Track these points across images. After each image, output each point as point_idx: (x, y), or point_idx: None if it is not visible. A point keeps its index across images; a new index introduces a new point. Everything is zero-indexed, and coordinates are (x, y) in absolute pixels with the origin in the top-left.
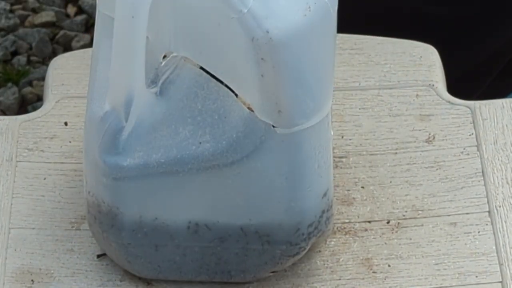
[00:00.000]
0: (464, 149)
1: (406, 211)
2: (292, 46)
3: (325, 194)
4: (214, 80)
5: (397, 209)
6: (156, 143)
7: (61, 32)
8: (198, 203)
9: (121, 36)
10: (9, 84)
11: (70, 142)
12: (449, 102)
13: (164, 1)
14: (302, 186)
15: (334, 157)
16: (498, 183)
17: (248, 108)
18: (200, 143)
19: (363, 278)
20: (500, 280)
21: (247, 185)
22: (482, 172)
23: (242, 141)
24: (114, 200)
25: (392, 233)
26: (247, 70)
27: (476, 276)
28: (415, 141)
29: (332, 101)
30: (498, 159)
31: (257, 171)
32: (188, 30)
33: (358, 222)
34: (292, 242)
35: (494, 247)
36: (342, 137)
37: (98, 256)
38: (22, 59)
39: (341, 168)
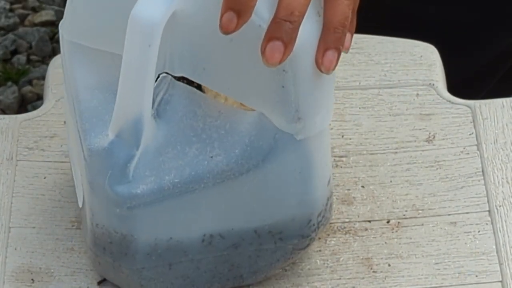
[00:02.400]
0: (464, 148)
1: (406, 211)
2: (311, 54)
3: (329, 181)
4: (209, 98)
5: (397, 208)
6: (165, 165)
7: None
8: (213, 215)
9: (135, 64)
10: (9, 83)
11: None
12: (449, 101)
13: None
14: (314, 177)
15: (334, 156)
16: (498, 182)
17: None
18: (211, 157)
19: (363, 278)
20: (500, 279)
21: (263, 188)
22: (482, 171)
23: (256, 144)
24: (129, 228)
25: (392, 232)
26: (263, 82)
27: (476, 276)
28: (415, 141)
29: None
30: (498, 159)
31: (273, 171)
32: (190, 49)
33: (358, 222)
34: (304, 234)
35: (494, 247)
36: (342, 136)
37: (99, 283)
38: (22, 58)
39: (341, 167)
